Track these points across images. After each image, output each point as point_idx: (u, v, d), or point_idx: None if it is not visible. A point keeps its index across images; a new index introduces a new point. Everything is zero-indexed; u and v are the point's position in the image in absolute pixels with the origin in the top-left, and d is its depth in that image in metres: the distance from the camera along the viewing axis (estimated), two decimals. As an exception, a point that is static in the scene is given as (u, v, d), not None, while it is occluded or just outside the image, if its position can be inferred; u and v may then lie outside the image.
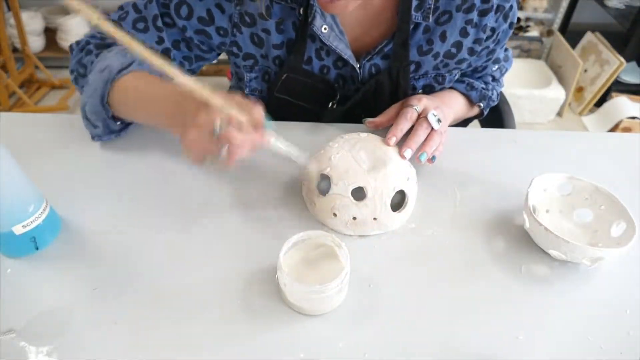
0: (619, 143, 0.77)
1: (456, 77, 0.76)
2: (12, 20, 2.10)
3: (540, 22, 2.51)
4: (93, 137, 0.67)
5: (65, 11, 2.55)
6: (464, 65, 0.73)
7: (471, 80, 0.79)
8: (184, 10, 0.63)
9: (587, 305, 0.50)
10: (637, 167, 0.70)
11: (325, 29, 0.64)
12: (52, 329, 0.46)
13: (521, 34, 2.47)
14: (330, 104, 0.73)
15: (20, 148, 0.63)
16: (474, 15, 0.65)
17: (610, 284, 0.53)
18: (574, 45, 2.34)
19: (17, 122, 0.75)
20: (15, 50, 2.24)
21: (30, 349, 0.44)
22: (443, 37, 0.67)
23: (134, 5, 0.66)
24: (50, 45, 2.48)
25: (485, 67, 0.79)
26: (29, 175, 0.51)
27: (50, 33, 2.49)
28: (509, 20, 0.68)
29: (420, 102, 0.64)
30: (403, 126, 0.62)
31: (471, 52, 0.70)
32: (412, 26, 0.65)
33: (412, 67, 0.70)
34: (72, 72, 0.68)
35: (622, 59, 2.09)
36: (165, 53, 0.68)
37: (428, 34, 0.67)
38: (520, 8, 2.42)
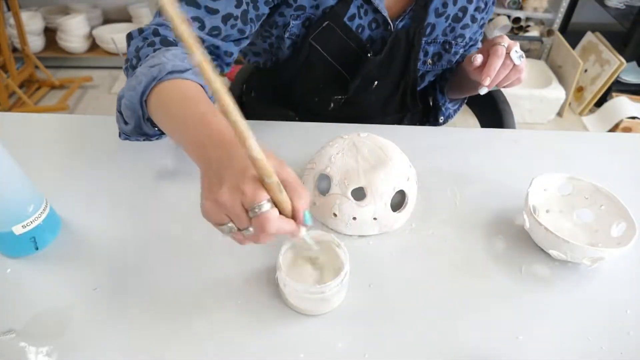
0: (619, 143, 0.77)
1: (460, 51, 0.81)
2: (12, 20, 2.10)
3: (540, 22, 2.51)
4: (120, 134, 0.60)
5: (65, 11, 2.56)
6: (467, 32, 0.78)
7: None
8: None
9: (587, 305, 0.50)
10: (637, 167, 0.70)
11: None
12: (52, 329, 0.46)
13: (521, 34, 2.47)
14: (369, 54, 0.75)
15: (20, 148, 0.63)
16: None
17: (610, 284, 0.53)
18: (574, 45, 2.34)
19: (17, 122, 0.75)
20: (15, 50, 2.24)
21: (30, 349, 0.44)
22: (455, 1, 0.74)
23: None
24: (50, 45, 2.49)
25: (476, 42, 0.86)
26: (29, 175, 0.51)
27: (50, 33, 2.49)
28: None
29: (505, 40, 0.69)
30: (495, 65, 0.67)
31: (473, 19, 0.77)
32: None
33: (428, 30, 0.76)
34: (127, 60, 0.62)
35: (623, 59, 2.09)
36: (244, 16, 0.64)
37: None
38: (521, 8, 2.42)
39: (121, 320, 0.47)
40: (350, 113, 0.83)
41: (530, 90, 2.15)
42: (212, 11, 0.62)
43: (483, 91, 0.68)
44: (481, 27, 0.82)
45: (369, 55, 0.74)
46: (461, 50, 0.81)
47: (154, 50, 0.58)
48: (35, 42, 2.39)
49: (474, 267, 0.54)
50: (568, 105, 2.30)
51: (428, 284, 0.52)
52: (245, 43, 0.70)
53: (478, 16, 0.77)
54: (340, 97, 0.81)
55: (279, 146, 0.71)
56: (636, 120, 2.09)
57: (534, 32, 2.46)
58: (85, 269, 0.52)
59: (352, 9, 0.71)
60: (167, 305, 0.48)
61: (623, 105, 2.15)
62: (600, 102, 2.27)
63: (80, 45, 2.45)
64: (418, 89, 0.84)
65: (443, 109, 0.90)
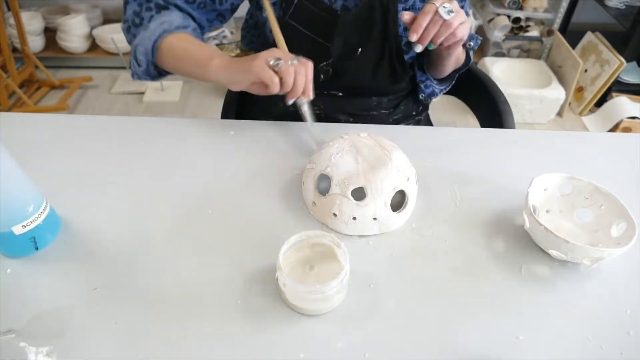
0: (619, 143, 0.77)
1: None
2: (12, 20, 2.10)
3: (540, 22, 2.51)
4: (133, 75, 0.78)
5: (65, 11, 2.56)
6: None
7: None
8: None
9: (587, 305, 0.50)
10: (637, 167, 0.70)
11: None
12: (52, 329, 0.46)
13: (521, 34, 2.47)
14: (338, 12, 0.78)
15: (20, 148, 0.63)
16: None
17: (610, 284, 0.53)
18: (574, 45, 2.34)
19: (17, 122, 0.75)
20: (15, 50, 2.24)
21: (30, 349, 0.44)
22: None
23: None
24: (50, 45, 2.49)
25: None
26: (29, 175, 0.51)
27: (50, 33, 2.49)
28: None
29: None
30: (422, 22, 0.67)
31: None
32: None
33: None
34: (125, 21, 0.76)
35: (622, 59, 2.09)
36: None
37: None
38: (521, 8, 2.42)
39: (121, 320, 0.47)
40: (342, 85, 0.85)
41: (530, 90, 2.15)
42: None
43: (418, 49, 0.68)
44: None
45: (338, 12, 0.77)
46: None
47: (156, 12, 0.74)
48: (35, 42, 2.39)
49: (474, 267, 0.54)
50: (568, 105, 2.30)
51: (428, 284, 0.52)
52: (219, 22, 0.83)
53: None
54: (325, 63, 0.82)
55: (279, 146, 0.71)
56: (636, 120, 2.09)
57: (534, 32, 2.46)
58: (85, 269, 0.52)
59: None
60: (167, 305, 0.48)
61: (623, 105, 2.15)
62: (600, 102, 2.27)
63: (80, 45, 2.45)
64: (407, 57, 0.84)
65: (422, 85, 0.89)
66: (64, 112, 2.17)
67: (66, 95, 2.24)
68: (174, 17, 0.73)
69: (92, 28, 2.49)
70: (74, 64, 2.51)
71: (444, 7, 0.67)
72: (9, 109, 2.06)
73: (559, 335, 0.47)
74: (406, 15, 0.68)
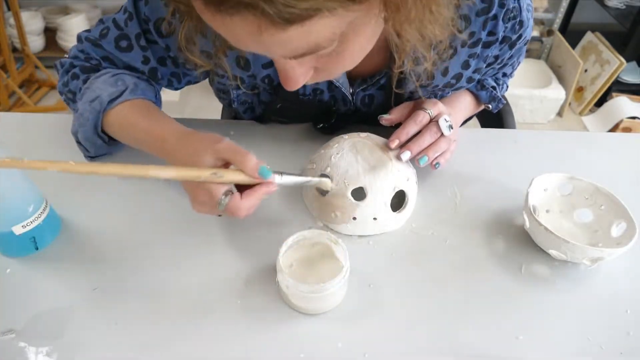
0: (619, 143, 0.77)
1: (449, 95, 0.73)
2: (12, 20, 2.10)
3: (540, 22, 2.51)
4: (86, 157, 0.65)
5: (65, 11, 2.56)
6: (459, 88, 0.70)
7: (483, 78, 0.74)
8: (165, 28, 0.57)
9: (587, 305, 0.50)
10: (637, 167, 0.70)
11: None
12: (52, 329, 0.46)
13: (521, 33, 2.47)
14: (321, 125, 0.71)
15: (20, 148, 0.63)
16: (478, 49, 0.61)
17: (610, 284, 0.53)
18: (574, 45, 2.34)
19: (17, 122, 0.75)
20: (15, 50, 2.24)
21: (30, 349, 0.44)
22: (445, 72, 0.63)
23: (114, 22, 0.61)
24: (50, 45, 2.48)
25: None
26: (29, 175, 0.51)
27: (50, 33, 2.49)
28: (516, 47, 0.65)
29: (435, 107, 0.61)
30: (409, 129, 0.59)
31: (469, 80, 0.67)
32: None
33: (407, 94, 0.67)
34: (61, 93, 0.67)
35: (623, 59, 2.09)
36: (153, 72, 0.64)
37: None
38: (520, 8, 2.41)
39: (121, 320, 0.47)
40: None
41: (530, 90, 2.15)
42: (117, 59, 0.64)
43: (405, 156, 0.57)
44: (500, 68, 0.71)
45: (332, 121, 0.70)
46: (449, 94, 0.72)
47: (83, 81, 0.63)
48: (35, 42, 2.38)
49: (474, 267, 0.54)
50: (568, 105, 2.30)
51: (428, 284, 0.52)
52: (175, 85, 0.69)
53: (477, 77, 0.67)
54: (323, 124, 0.73)
55: (279, 146, 0.71)
56: (636, 120, 2.09)
57: (534, 32, 2.46)
58: (85, 269, 0.52)
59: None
60: (167, 306, 0.48)
61: (623, 105, 2.15)
62: (600, 102, 2.27)
63: (80, 45, 2.44)
64: None
65: None
66: (64, 112, 2.17)
67: (66, 95, 2.24)
68: (100, 85, 0.60)
69: (92, 28, 2.48)
70: (74, 64, 2.51)
71: (445, 120, 0.59)
72: (9, 109, 2.06)
73: (559, 335, 0.47)
74: (385, 118, 0.62)
